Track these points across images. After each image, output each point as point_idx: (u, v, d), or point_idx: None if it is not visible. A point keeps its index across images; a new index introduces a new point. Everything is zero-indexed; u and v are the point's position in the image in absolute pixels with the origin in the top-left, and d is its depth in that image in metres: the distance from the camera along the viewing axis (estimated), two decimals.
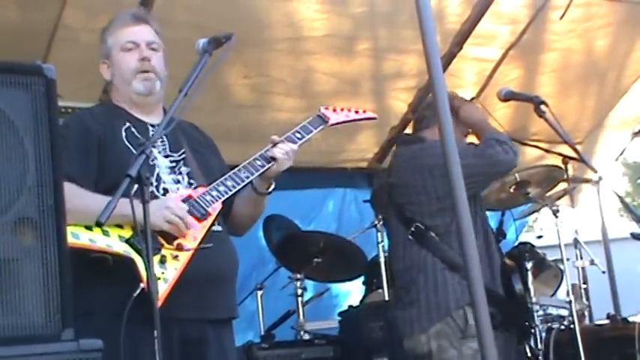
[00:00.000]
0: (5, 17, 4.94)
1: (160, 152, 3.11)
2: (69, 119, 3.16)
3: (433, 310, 3.84)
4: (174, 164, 3.12)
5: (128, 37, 3.19)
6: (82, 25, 5.04)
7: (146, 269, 2.57)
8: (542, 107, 3.83)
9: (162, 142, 3.13)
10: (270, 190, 3.22)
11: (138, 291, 2.66)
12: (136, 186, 2.57)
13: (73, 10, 5.03)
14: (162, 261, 2.82)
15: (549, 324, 5.48)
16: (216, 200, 3.02)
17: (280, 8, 5.69)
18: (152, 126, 3.15)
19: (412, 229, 3.94)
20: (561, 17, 6.35)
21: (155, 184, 3.02)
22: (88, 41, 4.96)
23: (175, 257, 2.85)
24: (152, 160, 3.05)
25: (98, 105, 3.31)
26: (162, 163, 3.09)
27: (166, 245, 2.86)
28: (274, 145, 3.15)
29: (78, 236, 2.74)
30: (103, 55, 3.24)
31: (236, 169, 3.11)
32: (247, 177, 3.09)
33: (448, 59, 6.41)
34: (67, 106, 4.06)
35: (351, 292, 6.76)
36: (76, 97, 4.36)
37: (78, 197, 2.77)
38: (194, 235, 2.93)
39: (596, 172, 4.33)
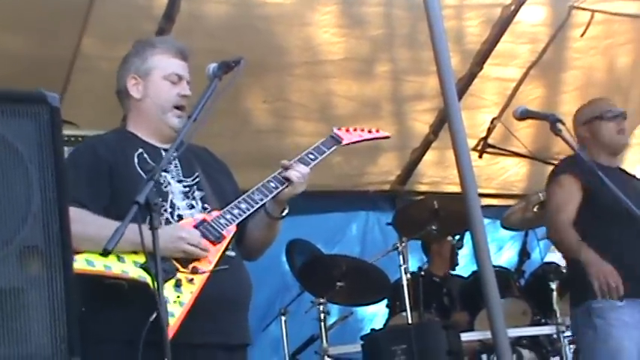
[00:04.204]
0: (24, 47, 5.00)
1: (173, 177, 3.10)
2: (80, 146, 3.17)
3: None
4: (187, 189, 3.11)
5: (175, 69, 3.19)
6: (101, 53, 5.09)
7: (158, 295, 2.56)
8: (559, 125, 3.80)
9: (175, 167, 3.13)
10: (284, 214, 3.19)
11: (155, 314, 2.61)
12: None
13: (91, 39, 5.08)
14: (178, 285, 2.81)
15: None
16: (231, 223, 3.01)
17: (298, 33, 5.72)
18: (165, 151, 3.15)
19: None
20: (582, 35, 6.33)
21: (170, 210, 3.02)
22: (107, 69, 5.00)
23: (190, 281, 2.84)
24: (165, 187, 3.05)
25: (110, 132, 3.30)
26: (175, 189, 3.08)
27: (181, 269, 2.86)
28: (287, 167, 3.13)
29: (93, 263, 2.73)
30: (135, 69, 3.20)
31: (250, 191, 3.10)
32: (261, 199, 3.07)
33: (469, 79, 6.40)
34: (84, 135, 4.07)
35: (376, 316, 6.72)
36: (96, 125, 4.39)
37: (89, 223, 2.78)
38: (209, 258, 2.92)
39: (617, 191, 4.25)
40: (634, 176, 4.59)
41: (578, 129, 4.50)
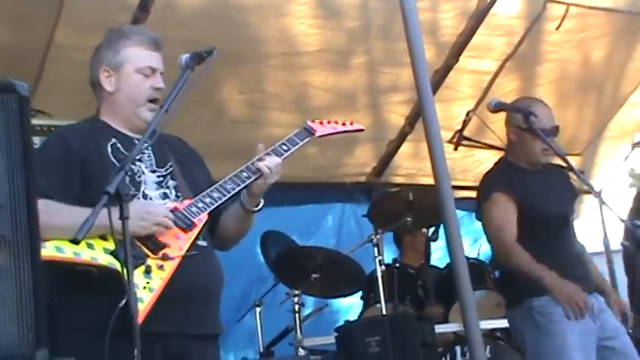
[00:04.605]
0: None
1: (147, 167, 3.09)
2: (51, 136, 3.14)
3: None
4: (161, 179, 3.10)
5: (149, 62, 3.15)
6: (75, 43, 5.05)
7: (128, 282, 2.55)
8: (532, 118, 3.81)
9: (149, 157, 3.12)
10: (259, 208, 3.19)
11: (124, 301, 2.60)
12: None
13: (65, 29, 5.04)
14: (148, 271, 2.80)
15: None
16: (202, 211, 3.00)
17: (274, 24, 5.70)
18: (139, 140, 3.12)
19: None
20: (557, 28, 6.36)
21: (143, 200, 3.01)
22: (81, 59, 4.95)
23: (161, 267, 2.83)
24: (139, 177, 3.03)
25: (82, 121, 3.27)
26: (149, 179, 3.07)
27: (151, 255, 2.85)
28: (260, 158, 3.13)
29: (62, 250, 2.72)
30: (107, 62, 3.15)
31: (222, 180, 3.09)
32: (233, 188, 3.06)
33: (444, 72, 6.42)
34: (58, 125, 4.04)
35: (352, 308, 6.73)
36: (70, 115, 4.35)
37: (56, 213, 2.75)
38: (180, 245, 2.91)
39: (587, 185, 4.26)
40: (557, 167, 4.33)
41: (508, 128, 4.31)
